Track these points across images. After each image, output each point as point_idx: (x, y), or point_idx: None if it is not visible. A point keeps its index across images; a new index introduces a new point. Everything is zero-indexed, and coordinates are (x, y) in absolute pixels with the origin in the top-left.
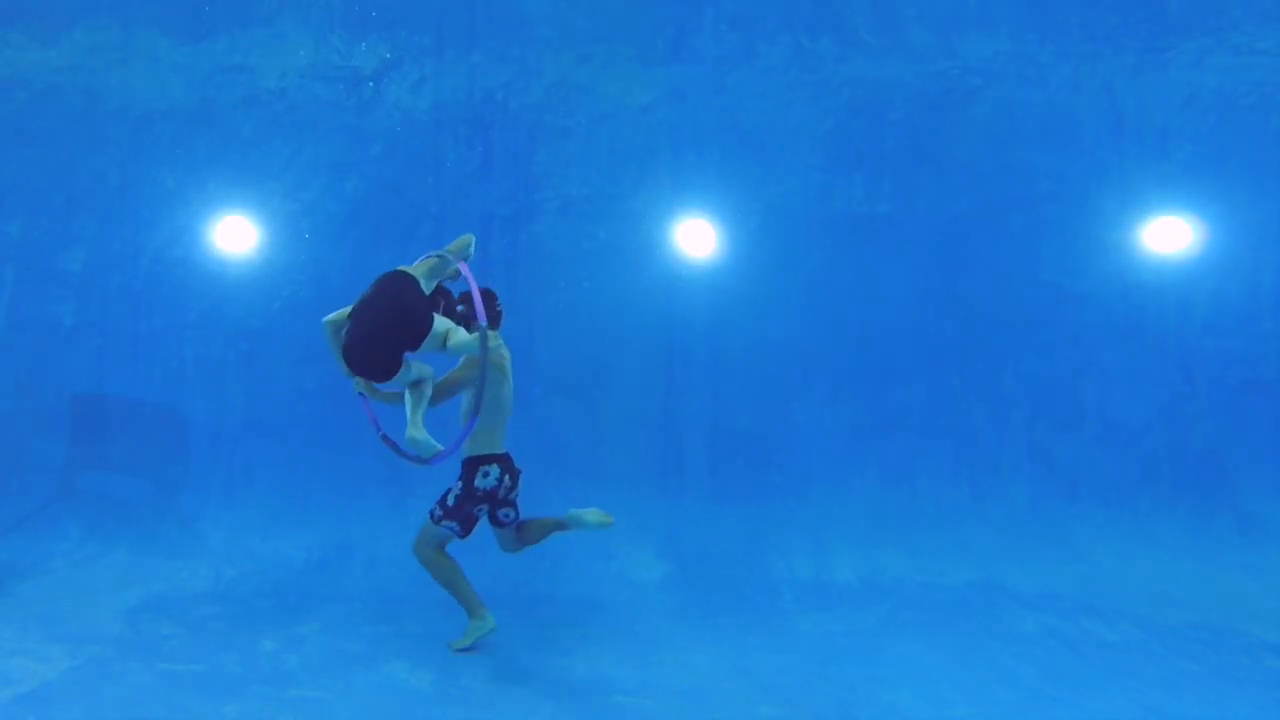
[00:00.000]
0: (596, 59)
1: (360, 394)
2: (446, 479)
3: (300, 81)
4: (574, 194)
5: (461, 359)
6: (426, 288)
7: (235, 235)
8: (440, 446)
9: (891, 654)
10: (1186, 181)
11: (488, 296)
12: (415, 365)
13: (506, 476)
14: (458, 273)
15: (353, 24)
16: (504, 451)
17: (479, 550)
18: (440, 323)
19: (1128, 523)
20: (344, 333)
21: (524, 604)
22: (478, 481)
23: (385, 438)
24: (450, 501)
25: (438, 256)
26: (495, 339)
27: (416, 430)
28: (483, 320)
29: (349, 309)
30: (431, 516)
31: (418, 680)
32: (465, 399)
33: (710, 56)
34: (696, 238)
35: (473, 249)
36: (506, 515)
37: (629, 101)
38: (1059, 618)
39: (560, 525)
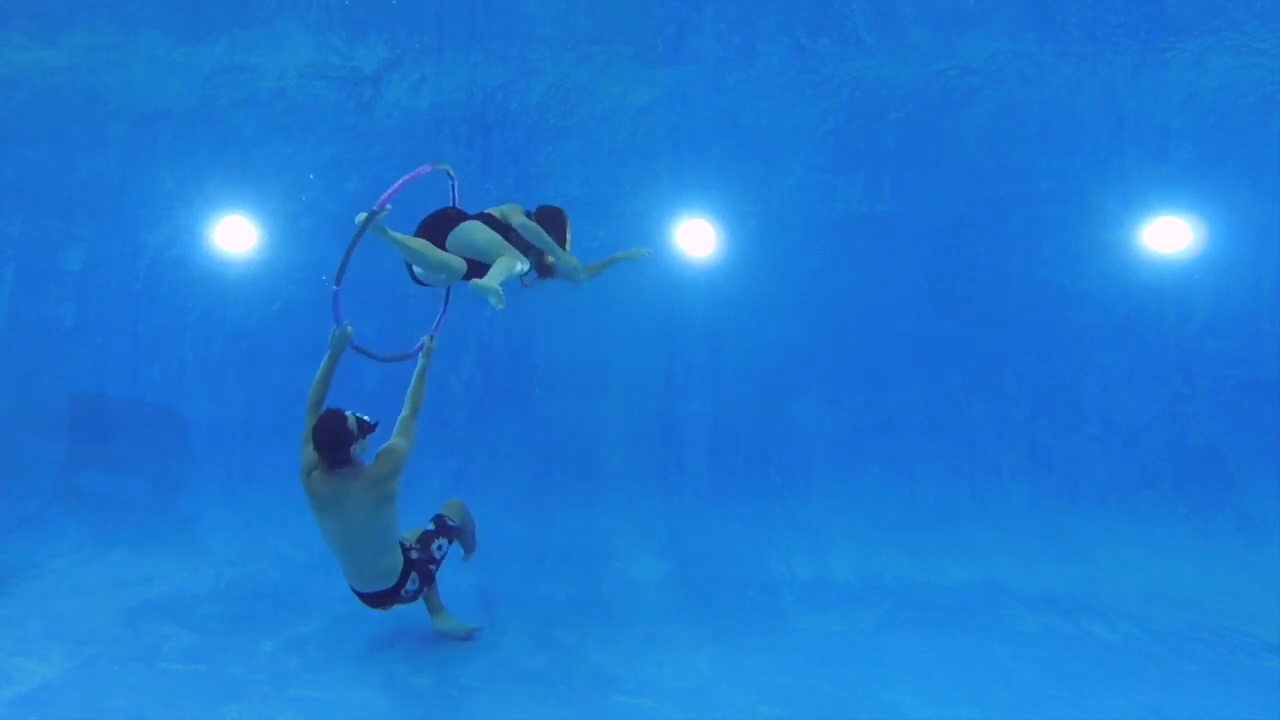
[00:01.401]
0: (596, 59)
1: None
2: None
3: (300, 81)
4: (574, 194)
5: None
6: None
7: (235, 235)
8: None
9: (891, 654)
10: (1186, 181)
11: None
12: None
13: (388, 603)
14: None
15: (353, 24)
16: (385, 587)
17: (480, 551)
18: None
19: (1128, 523)
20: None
21: (524, 604)
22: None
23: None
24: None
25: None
26: (331, 479)
27: (491, 279)
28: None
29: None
30: None
31: (418, 680)
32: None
33: (710, 56)
34: (696, 238)
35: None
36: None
37: (629, 101)
38: (1059, 618)
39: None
